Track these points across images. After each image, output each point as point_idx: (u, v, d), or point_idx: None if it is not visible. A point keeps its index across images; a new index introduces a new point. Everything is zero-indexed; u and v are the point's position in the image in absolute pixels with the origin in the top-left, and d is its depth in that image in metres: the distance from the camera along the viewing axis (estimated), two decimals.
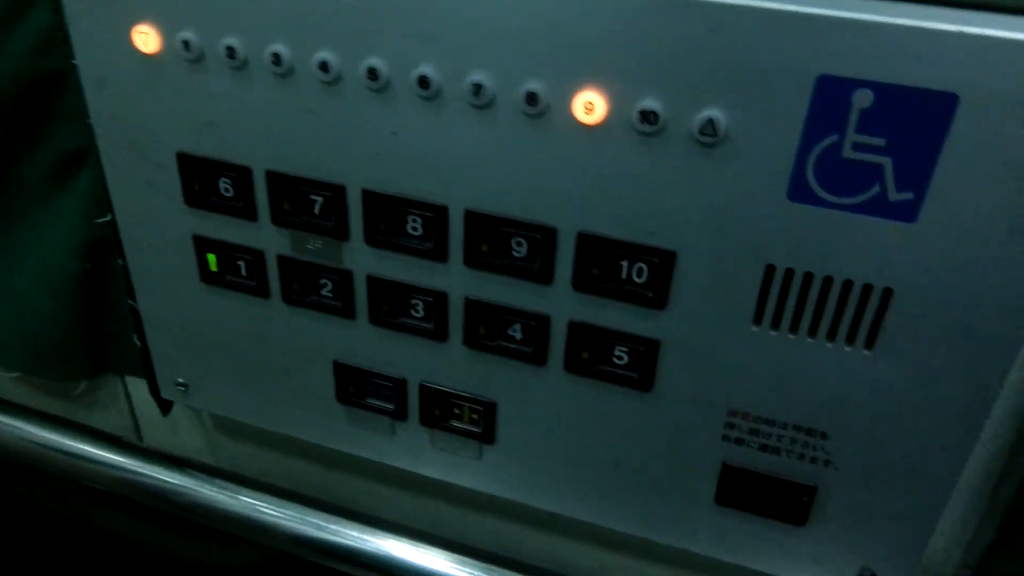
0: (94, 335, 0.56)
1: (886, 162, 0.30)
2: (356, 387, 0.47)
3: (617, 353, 0.39)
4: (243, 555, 0.69)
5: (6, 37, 0.45)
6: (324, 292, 0.44)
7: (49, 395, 0.64)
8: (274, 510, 0.53)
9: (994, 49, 0.27)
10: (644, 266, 0.36)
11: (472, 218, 0.38)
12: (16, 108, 0.48)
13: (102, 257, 0.52)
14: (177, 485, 0.55)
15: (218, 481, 0.55)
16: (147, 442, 0.64)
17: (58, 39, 0.45)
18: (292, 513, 0.52)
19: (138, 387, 0.60)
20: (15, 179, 0.51)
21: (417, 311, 0.42)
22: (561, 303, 0.39)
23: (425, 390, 0.45)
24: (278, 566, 0.70)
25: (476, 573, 0.49)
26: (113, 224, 0.48)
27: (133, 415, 0.63)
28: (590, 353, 0.40)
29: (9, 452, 0.61)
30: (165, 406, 0.56)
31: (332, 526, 0.51)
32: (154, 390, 0.54)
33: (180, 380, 0.52)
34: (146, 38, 0.40)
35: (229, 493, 0.54)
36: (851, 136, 0.30)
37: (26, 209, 0.52)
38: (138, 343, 0.52)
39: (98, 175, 0.48)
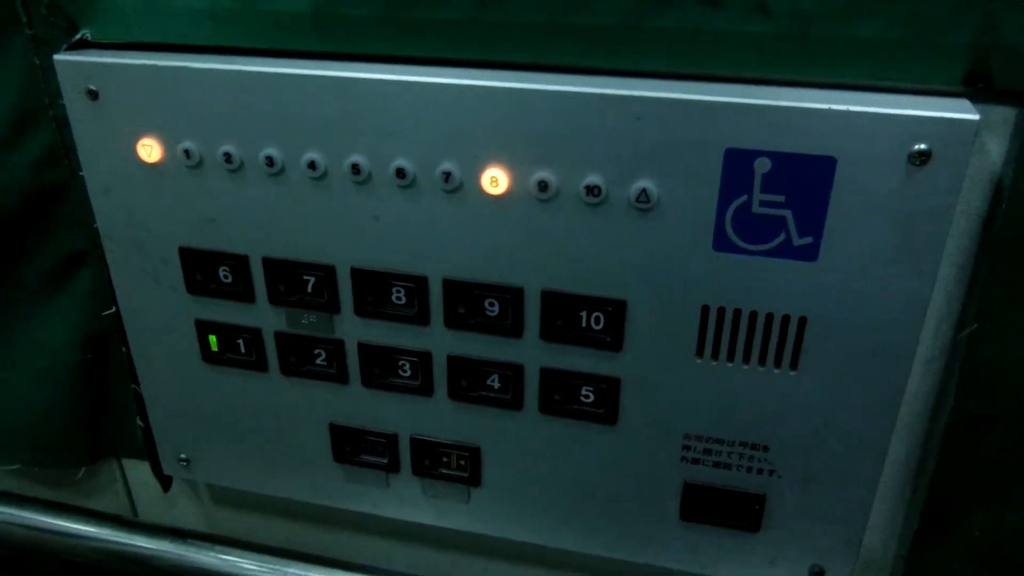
0: (94, 422, 0.60)
1: (787, 214, 0.37)
2: (351, 446, 0.51)
3: (584, 392, 0.45)
4: None
5: (10, 152, 0.50)
6: (319, 361, 0.49)
7: (45, 484, 0.67)
8: (273, 568, 0.57)
9: (857, 121, 0.35)
10: (600, 315, 0.42)
11: (449, 285, 0.44)
12: (18, 216, 0.52)
13: (102, 348, 0.56)
14: (180, 556, 0.59)
15: (219, 547, 0.58)
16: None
17: (60, 153, 0.50)
18: (296, 571, 0.56)
19: (134, 469, 0.64)
20: (16, 280, 0.55)
21: (404, 371, 0.48)
22: (532, 353, 0.45)
23: (415, 442, 0.50)
24: None
25: None
26: (117, 316, 0.52)
27: (130, 497, 0.66)
28: (560, 395, 0.46)
29: (11, 542, 0.63)
30: (166, 482, 0.60)
31: None
32: (156, 468, 0.58)
33: (183, 456, 0.56)
34: (150, 150, 0.45)
35: (229, 557, 0.58)
36: (757, 195, 0.37)
37: (27, 308, 0.56)
38: (141, 424, 0.56)
39: (98, 273, 0.53)
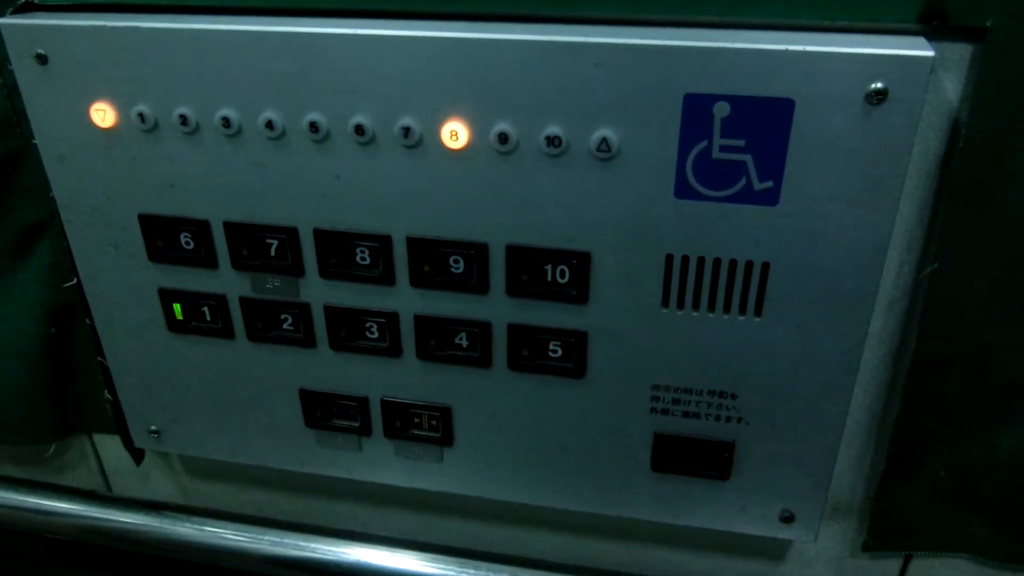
0: (61, 397, 0.59)
1: (748, 159, 0.37)
2: (322, 411, 0.51)
3: (552, 347, 0.45)
4: None
5: None
6: (285, 326, 0.49)
7: (14, 462, 0.66)
8: (251, 537, 0.57)
9: (814, 61, 0.35)
10: (565, 268, 0.42)
11: (413, 243, 0.44)
12: None
13: (65, 321, 0.56)
14: (157, 528, 0.58)
15: (196, 518, 0.58)
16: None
17: (12, 122, 0.49)
18: (273, 539, 0.56)
19: (106, 444, 0.63)
20: None
21: (372, 332, 0.47)
22: (498, 309, 0.45)
23: (386, 404, 0.50)
24: None
25: (448, 568, 0.53)
26: (78, 287, 0.51)
27: (103, 472, 0.66)
28: (529, 350, 0.46)
29: None
30: (138, 455, 0.60)
31: (311, 544, 0.55)
32: (127, 441, 0.57)
33: (153, 428, 0.56)
34: (103, 114, 0.44)
35: (207, 528, 0.58)
36: (717, 140, 0.37)
37: None
38: (109, 397, 0.56)
39: (57, 245, 0.52)
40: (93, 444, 0.64)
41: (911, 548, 0.49)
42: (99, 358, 0.54)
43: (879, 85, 0.35)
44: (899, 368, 0.44)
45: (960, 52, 0.36)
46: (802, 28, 0.36)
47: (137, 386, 0.54)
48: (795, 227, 0.38)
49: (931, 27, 0.36)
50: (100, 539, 0.61)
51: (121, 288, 0.50)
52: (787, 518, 0.47)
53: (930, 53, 0.34)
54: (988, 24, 0.35)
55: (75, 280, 0.51)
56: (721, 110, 0.37)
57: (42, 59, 0.43)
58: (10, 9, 0.44)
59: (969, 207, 0.38)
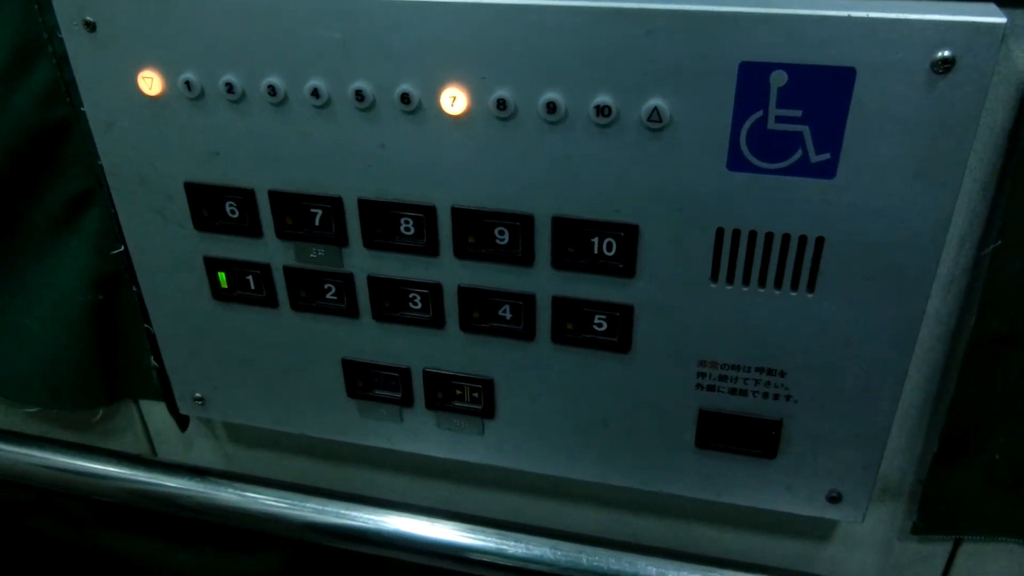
0: (109, 364, 0.60)
1: (804, 130, 0.36)
2: (364, 381, 0.51)
3: (597, 321, 0.45)
4: (262, 563, 0.73)
5: (10, 92, 0.50)
6: (329, 296, 0.49)
7: (65, 427, 0.67)
8: (293, 504, 0.57)
9: (878, 28, 0.33)
10: (612, 240, 0.42)
11: (458, 214, 0.43)
12: (24, 157, 0.52)
13: (113, 289, 0.56)
14: (202, 493, 0.59)
15: (239, 484, 0.59)
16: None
17: (62, 90, 0.49)
18: (315, 506, 0.57)
19: (152, 410, 0.64)
20: (26, 223, 0.55)
21: (415, 303, 0.47)
22: (543, 282, 0.44)
23: (428, 376, 0.50)
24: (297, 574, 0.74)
25: (488, 539, 0.54)
26: (125, 255, 0.52)
27: (149, 437, 0.67)
28: (573, 324, 0.45)
29: (36, 483, 0.64)
30: (183, 421, 0.60)
31: (351, 512, 0.56)
32: (172, 407, 0.58)
33: (197, 395, 0.56)
34: (150, 82, 0.44)
35: (249, 494, 0.59)
36: (773, 111, 0.36)
37: (38, 250, 0.56)
38: (155, 364, 0.57)
39: (105, 212, 0.52)
40: (139, 410, 0.65)
41: (961, 532, 0.48)
42: (146, 325, 0.55)
43: (946, 53, 0.33)
44: (956, 348, 0.43)
45: None
46: None
47: (182, 353, 0.55)
48: (852, 201, 0.37)
49: None
50: (145, 503, 0.63)
51: (167, 256, 0.50)
52: (834, 498, 0.46)
53: (1002, 20, 0.32)
54: None
55: (122, 248, 0.52)
56: (778, 79, 0.35)
57: (90, 26, 0.43)
58: None
59: None
